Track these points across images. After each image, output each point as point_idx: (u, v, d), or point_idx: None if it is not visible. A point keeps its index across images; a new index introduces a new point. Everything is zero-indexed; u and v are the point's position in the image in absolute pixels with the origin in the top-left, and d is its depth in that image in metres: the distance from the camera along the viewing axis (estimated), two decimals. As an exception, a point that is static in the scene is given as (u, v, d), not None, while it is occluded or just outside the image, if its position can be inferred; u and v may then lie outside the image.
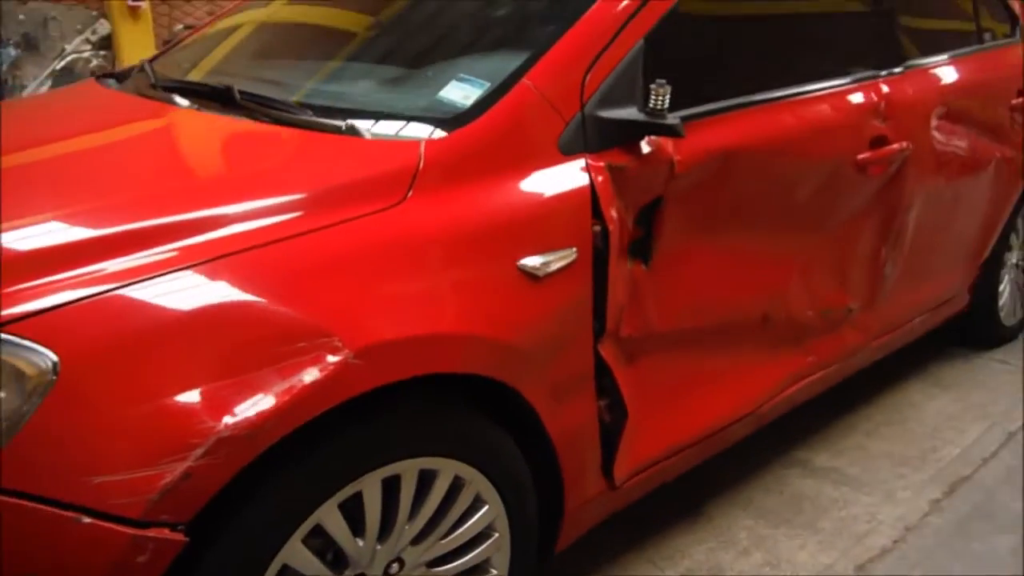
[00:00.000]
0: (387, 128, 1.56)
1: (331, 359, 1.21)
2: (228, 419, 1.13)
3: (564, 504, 1.67)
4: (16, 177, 1.46)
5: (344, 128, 1.53)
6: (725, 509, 2.28)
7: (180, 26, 2.34)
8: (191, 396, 1.13)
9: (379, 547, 1.38)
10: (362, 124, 1.55)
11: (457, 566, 1.53)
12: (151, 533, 1.10)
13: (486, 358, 1.42)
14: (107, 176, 1.50)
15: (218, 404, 1.14)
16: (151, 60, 2.30)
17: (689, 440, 1.95)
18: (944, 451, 2.58)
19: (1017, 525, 2.23)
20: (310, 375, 1.19)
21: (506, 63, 1.66)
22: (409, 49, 1.92)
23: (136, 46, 4.69)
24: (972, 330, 3.22)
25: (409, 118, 1.59)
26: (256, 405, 1.15)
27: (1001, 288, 3.20)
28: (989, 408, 2.84)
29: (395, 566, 1.43)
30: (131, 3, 4.79)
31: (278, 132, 1.60)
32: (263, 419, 1.15)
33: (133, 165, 1.58)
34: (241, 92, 1.69)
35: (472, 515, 1.51)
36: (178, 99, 1.82)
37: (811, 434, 2.64)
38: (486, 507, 1.52)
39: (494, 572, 1.59)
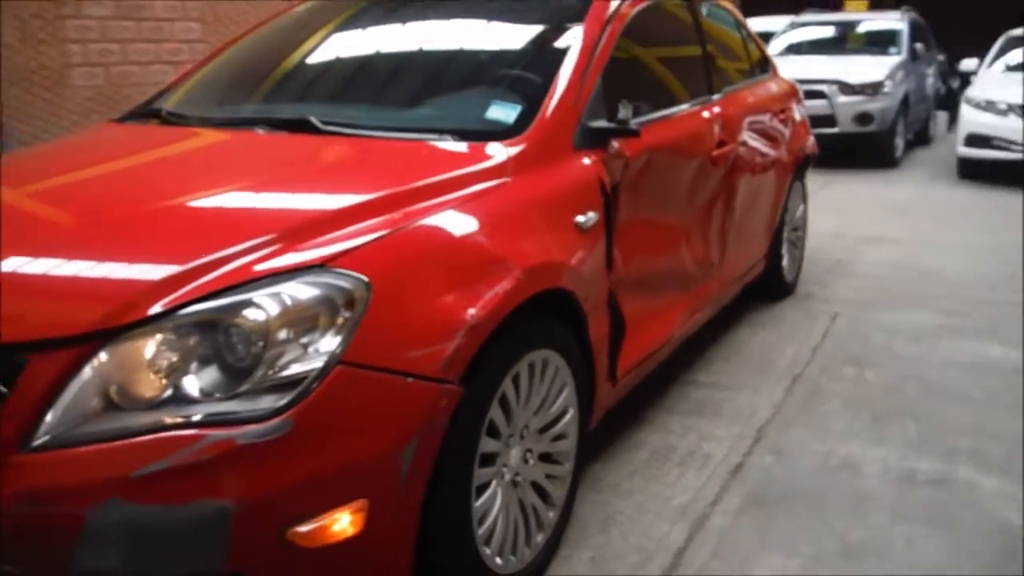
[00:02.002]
0: (470, 138, 2.24)
1: (513, 274, 1.89)
2: (472, 312, 1.78)
3: (595, 393, 2.41)
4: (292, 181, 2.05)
5: (449, 138, 2.20)
6: (657, 414, 3.11)
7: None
8: (451, 299, 1.76)
9: (527, 423, 2.04)
10: (450, 137, 2.23)
11: (552, 435, 2.20)
12: (445, 385, 1.72)
13: (567, 278, 2.14)
14: (328, 179, 2.10)
15: (465, 304, 1.78)
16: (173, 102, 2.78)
17: (649, 351, 2.77)
18: (778, 363, 3.61)
19: (837, 396, 3.26)
20: (504, 285, 1.87)
21: (523, 92, 2.41)
22: (438, 83, 2.61)
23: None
24: (768, 286, 4.34)
25: (473, 131, 2.28)
26: (484, 304, 1.80)
27: (782, 253, 4.35)
28: (794, 335, 3.94)
29: (529, 457, 2.08)
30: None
31: (401, 143, 2.23)
32: (489, 312, 1.81)
33: (335, 173, 2.16)
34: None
35: (561, 395, 2.20)
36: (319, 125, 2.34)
37: (692, 363, 3.56)
38: (568, 389, 2.22)
39: (568, 440, 2.27)
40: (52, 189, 2.15)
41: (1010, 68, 8.97)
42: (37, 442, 1.49)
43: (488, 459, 1.92)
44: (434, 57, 2.78)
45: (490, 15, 2.90)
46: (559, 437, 2.22)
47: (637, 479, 2.67)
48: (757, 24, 10.37)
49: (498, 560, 1.98)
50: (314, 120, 2.34)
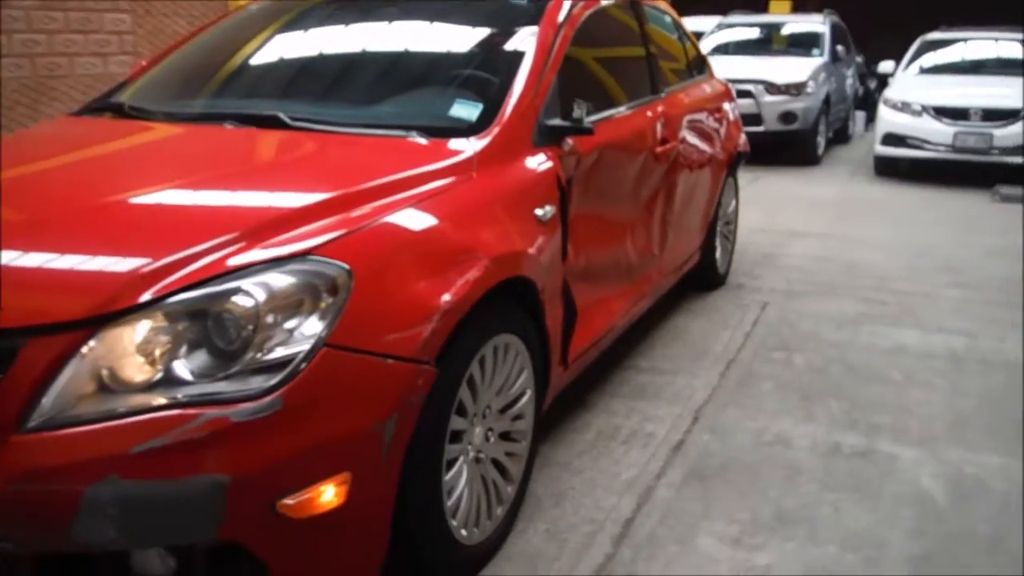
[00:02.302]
0: (435, 134, 2.36)
1: (481, 263, 2.02)
2: (446, 297, 1.90)
3: (549, 376, 2.56)
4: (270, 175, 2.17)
5: (415, 135, 2.31)
6: (601, 398, 3.28)
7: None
8: (426, 285, 1.89)
9: (489, 403, 2.17)
10: (416, 133, 2.34)
11: (511, 415, 2.34)
12: (421, 366, 1.84)
13: (528, 267, 2.28)
14: (308, 171, 2.20)
15: (439, 290, 1.90)
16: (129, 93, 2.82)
17: (597, 337, 2.93)
18: (713, 349, 3.82)
19: (768, 378, 3.48)
20: (474, 273, 2.00)
21: (483, 91, 2.54)
22: (402, 81, 2.72)
23: None
24: (703, 276, 4.55)
25: (437, 128, 2.40)
26: (454, 291, 1.93)
27: (716, 245, 4.58)
28: (728, 323, 4.16)
29: (490, 435, 2.22)
30: None
31: (372, 138, 2.33)
32: (460, 298, 1.94)
33: (312, 166, 2.25)
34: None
35: (519, 378, 2.34)
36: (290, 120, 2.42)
37: (634, 349, 3.74)
38: (526, 372, 2.36)
39: (526, 420, 2.42)
40: (23, 180, 2.18)
41: (924, 71, 9.45)
42: (33, 423, 1.57)
43: (456, 436, 2.05)
44: (397, 56, 2.88)
45: (450, 17, 3.01)
46: (517, 417, 2.36)
47: (586, 457, 2.83)
48: (687, 24, 10.66)
49: (463, 532, 2.11)
50: (283, 116, 2.43)
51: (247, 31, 3.12)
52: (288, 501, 1.65)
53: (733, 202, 4.88)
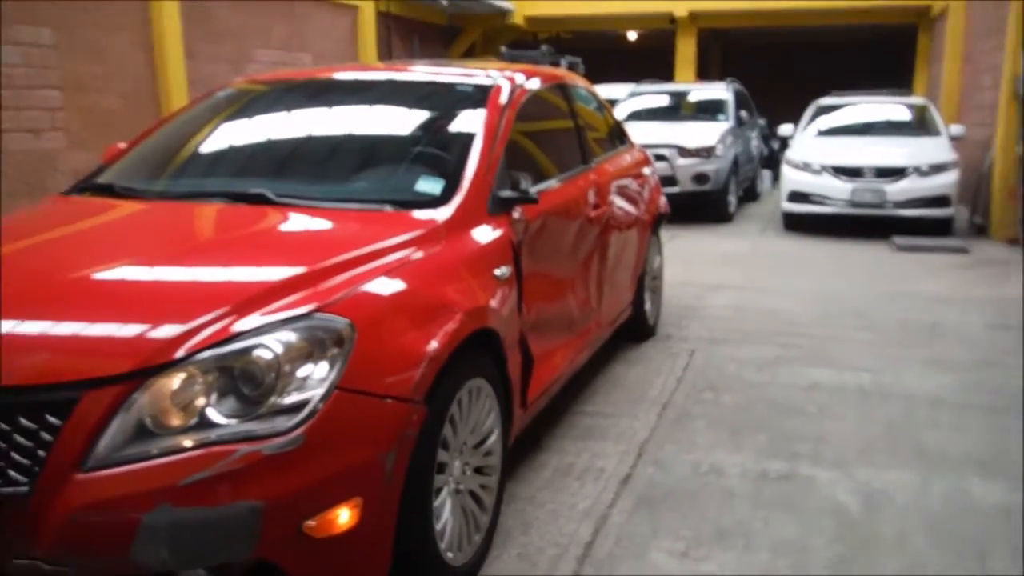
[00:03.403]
0: (405, 207, 2.70)
1: (456, 317, 2.36)
2: (432, 346, 2.23)
3: (512, 416, 2.88)
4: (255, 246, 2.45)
5: (388, 208, 2.65)
6: (554, 440, 3.61)
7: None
8: (415, 336, 2.21)
9: (465, 439, 2.48)
10: (389, 206, 2.68)
11: (483, 451, 2.65)
12: (415, 405, 2.15)
13: (493, 320, 2.62)
14: (308, 240, 2.52)
15: (425, 340, 2.23)
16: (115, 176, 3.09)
17: (550, 382, 3.27)
18: (649, 393, 4.20)
19: (700, 416, 3.87)
20: (452, 325, 2.33)
21: (443, 168, 2.90)
22: (370, 160, 3.06)
23: None
24: (635, 328, 4.95)
25: (405, 201, 2.74)
26: (437, 340, 2.26)
27: (645, 299, 5.00)
28: (661, 369, 4.56)
29: (467, 469, 2.52)
30: None
31: (355, 212, 2.66)
32: (443, 346, 2.26)
33: (309, 235, 2.56)
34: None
35: (488, 417, 2.66)
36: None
37: (578, 396, 4.09)
38: (494, 412, 2.68)
39: (495, 456, 2.72)
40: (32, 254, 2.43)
41: (821, 133, 10.26)
42: (92, 463, 1.82)
43: (440, 468, 2.36)
44: (362, 139, 3.22)
45: (403, 101, 3.38)
46: (488, 453, 2.67)
47: (546, 492, 3.15)
48: (600, 92, 11.36)
49: (449, 554, 2.40)
50: (268, 193, 2.74)
51: (220, 115, 3.42)
52: (311, 523, 1.93)
53: (658, 258, 5.33)
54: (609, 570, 2.63)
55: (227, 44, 10.03)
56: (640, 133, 9.25)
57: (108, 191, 3.02)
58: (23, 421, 1.85)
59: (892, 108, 10.46)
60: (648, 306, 5.05)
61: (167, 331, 1.96)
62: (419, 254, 2.46)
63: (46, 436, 1.84)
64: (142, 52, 8.78)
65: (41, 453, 1.84)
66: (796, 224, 9.65)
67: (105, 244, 2.54)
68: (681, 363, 4.67)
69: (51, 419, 1.84)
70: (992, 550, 2.73)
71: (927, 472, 3.29)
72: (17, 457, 1.84)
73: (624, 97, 11.90)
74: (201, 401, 1.92)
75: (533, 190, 3.00)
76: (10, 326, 1.99)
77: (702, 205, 10.07)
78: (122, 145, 3.46)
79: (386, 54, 14.08)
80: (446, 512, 2.39)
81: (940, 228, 8.93)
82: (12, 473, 1.84)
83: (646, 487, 3.18)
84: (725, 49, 24.30)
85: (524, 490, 3.15)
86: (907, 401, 4.07)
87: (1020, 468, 3.31)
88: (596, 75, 13.36)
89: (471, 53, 17.44)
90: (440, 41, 16.79)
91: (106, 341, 1.97)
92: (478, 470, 2.62)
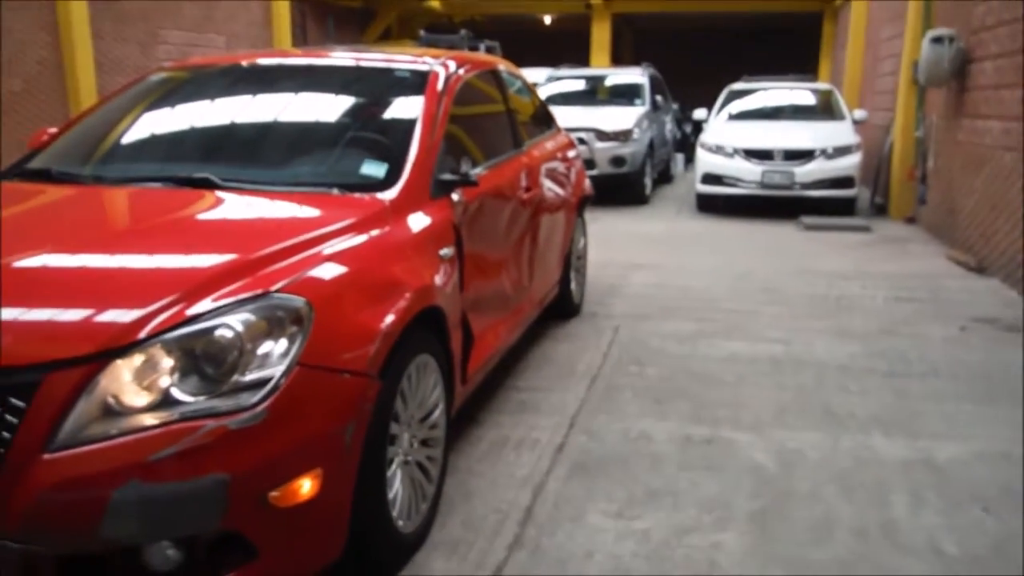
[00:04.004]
0: (350, 190, 2.79)
1: (406, 295, 2.48)
2: (384, 323, 2.34)
3: (454, 390, 3.02)
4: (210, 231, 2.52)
5: (336, 191, 2.74)
6: (490, 415, 3.76)
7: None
8: (369, 314, 2.32)
9: (413, 413, 2.61)
10: (335, 189, 2.77)
11: (428, 424, 2.78)
12: (370, 379, 2.26)
13: (439, 298, 2.74)
14: (261, 223, 2.59)
15: (379, 317, 2.34)
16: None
17: (487, 358, 3.42)
18: (578, 368, 4.39)
19: (627, 388, 4.08)
20: (403, 303, 2.45)
21: (385, 152, 3.00)
22: (312, 144, 3.13)
23: None
24: (561, 307, 5.14)
25: (351, 185, 2.84)
26: (389, 317, 2.37)
27: (571, 278, 5.18)
28: (588, 345, 4.76)
29: (414, 441, 2.65)
30: None
31: (302, 195, 2.73)
32: (394, 324, 2.38)
33: (261, 219, 2.63)
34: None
35: (434, 392, 2.79)
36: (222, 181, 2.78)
37: (510, 373, 4.25)
38: (439, 387, 2.81)
39: (439, 429, 2.86)
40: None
41: (732, 117, 10.64)
42: (59, 442, 1.88)
43: (392, 440, 2.48)
44: (305, 124, 3.29)
45: (342, 87, 3.46)
46: (433, 426, 2.80)
47: (485, 463, 3.29)
48: (521, 77, 11.51)
49: (400, 522, 2.53)
50: (213, 178, 2.79)
51: (153, 98, 3.43)
52: (275, 493, 2.03)
53: (583, 240, 5.53)
54: (550, 530, 2.80)
55: (136, 25, 9.80)
56: (559, 117, 9.42)
57: (45, 176, 3.01)
58: None
59: (799, 93, 10.92)
60: (574, 285, 5.23)
61: (126, 315, 2.02)
62: (367, 235, 2.57)
63: (10, 419, 1.89)
64: (46, 33, 8.52)
65: (6, 435, 1.88)
66: (710, 205, 10.01)
67: (51, 229, 2.55)
68: (607, 339, 4.87)
69: (15, 401, 1.89)
70: (894, 497, 3.00)
71: (836, 432, 3.57)
72: (-19, 439, 1.88)
73: (542, 82, 12.07)
74: (165, 381, 1.99)
75: (473, 173, 3.13)
76: (-34, 312, 2.01)
77: (620, 187, 10.34)
78: (52, 130, 3.43)
79: (301, 36, 13.92)
80: (397, 482, 2.51)
81: (844, 208, 9.40)
82: (-23, 455, 1.88)
83: (580, 455, 3.36)
84: (638, 34, 24.75)
85: (464, 462, 3.29)
86: (816, 368, 4.37)
87: (919, 425, 3.62)
88: (513, 59, 13.52)
89: (387, 36, 17.35)
90: (354, 23, 16.66)
91: (66, 325, 2.02)
92: (424, 442, 2.75)
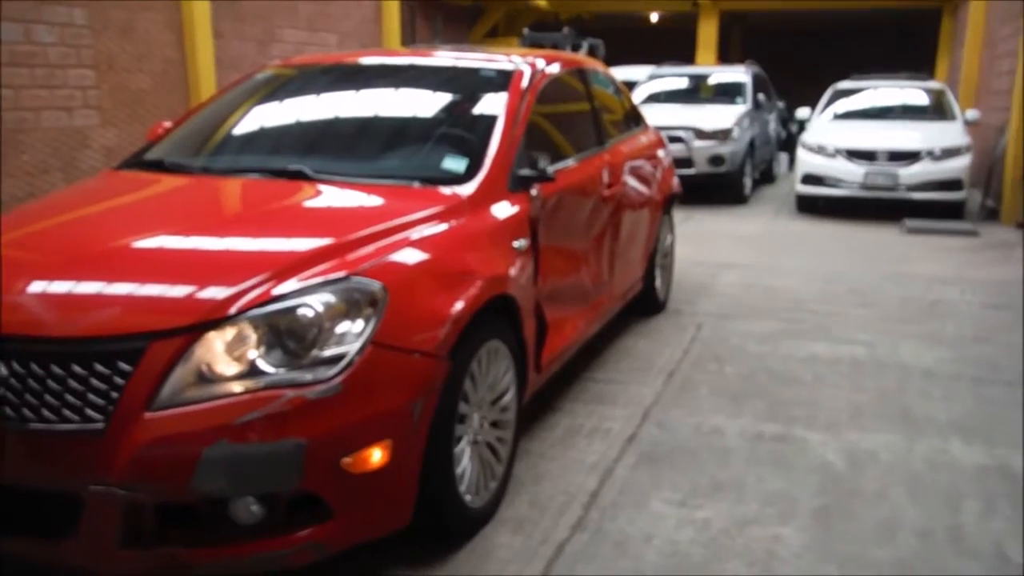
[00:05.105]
0: (432, 183, 2.96)
1: (477, 283, 2.62)
2: (455, 308, 2.50)
3: (527, 377, 3.15)
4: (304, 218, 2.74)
5: (417, 184, 2.91)
6: (566, 403, 3.88)
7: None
8: (440, 299, 2.48)
9: (483, 396, 2.75)
10: (417, 182, 2.95)
11: (499, 407, 2.92)
12: (440, 360, 2.42)
13: (511, 287, 2.88)
14: (346, 213, 2.79)
15: (450, 302, 2.49)
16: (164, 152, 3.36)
17: (563, 349, 3.54)
18: (658, 362, 4.46)
19: (704, 384, 4.13)
20: (473, 290, 2.59)
21: (467, 148, 3.16)
22: (399, 140, 3.33)
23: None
24: (645, 303, 5.21)
25: (432, 178, 3.01)
26: (459, 303, 2.52)
27: (656, 275, 5.24)
28: (668, 341, 4.82)
29: (484, 423, 2.80)
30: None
31: (386, 187, 2.92)
32: (465, 308, 2.53)
33: (347, 208, 2.85)
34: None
35: (505, 376, 2.93)
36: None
37: (590, 363, 4.36)
38: (510, 372, 2.95)
39: (510, 412, 2.99)
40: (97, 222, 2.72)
41: (837, 116, 10.40)
42: (158, 403, 2.10)
43: (461, 419, 2.63)
44: (393, 121, 3.49)
45: (431, 85, 3.64)
46: (504, 409, 2.94)
47: (557, 448, 3.42)
48: (621, 73, 11.57)
49: (468, 497, 2.68)
50: (306, 169, 3.01)
51: (258, 96, 3.69)
52: (348, 459, 2.21)
53: (669, 237, 5.57)
54: (612, 515, 2.90)
55: (254, 24, 10.29)
56: (658, 115, 9.46)
57: (158, 166, 3.30)
58: (98, 367, 2.13)
59: (909, 93, 10.57)
60: (658, 282, 5.29)
61: (220, 292, 2.24)
62: (444, 226, 2.73)
63: (118, 380, 2.12)
64: (172, 32, 9.06)
65: (114, 395, 2.12)
66: (810, 206, 9.83)
67: (160, 214, 2.82)
68: (689, 336, 4.92)
69: (123, 365, 2.13)
70: (965, 503, 2.98)
71: (912, 435, 3.54)
72: (93, 398, 2.13)
73: (644, 79, 12.07)
74: (252, 353, 2.19)
75: (550, 169, 3.25)
76: (84, 286, 2.27)
77: (718, 187, 10.26)
78: (167, 124, 3.73)
79: (409, 34, 14.31)
80: (465, 459, 2.67)
81: (952, 211, 9.08)
82: (89, 412, 2.12)
83: (650, 445, 3.45)
84: (746, 32, 24.31)
85: (537, 447, 3.42)
86: (899, 372, 4.31)
87: (1000, 433, 3.55)
88: (617, 57, 13.58)
89: (494, 34, 17.63)
90: (463, 21, 16.98)
91: (168, 300, 2.25)
92: (495, 424, 2.89)
